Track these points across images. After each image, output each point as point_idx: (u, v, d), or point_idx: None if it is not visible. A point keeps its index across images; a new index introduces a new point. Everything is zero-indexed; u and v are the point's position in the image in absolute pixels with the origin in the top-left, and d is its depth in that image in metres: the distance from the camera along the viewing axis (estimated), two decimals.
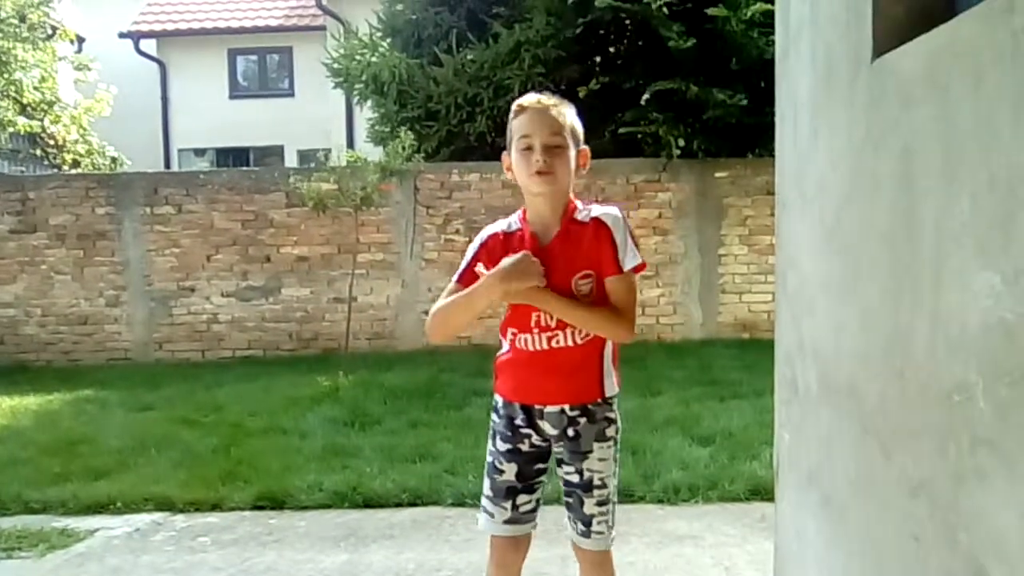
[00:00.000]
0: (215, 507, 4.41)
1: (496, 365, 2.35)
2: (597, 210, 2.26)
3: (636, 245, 2.23)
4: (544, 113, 2.20)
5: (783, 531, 2.16)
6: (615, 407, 2.36)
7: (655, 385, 6.76)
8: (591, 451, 2.29)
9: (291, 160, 17.41)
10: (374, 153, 9.40)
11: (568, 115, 2.24)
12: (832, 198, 1.70)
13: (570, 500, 2.33)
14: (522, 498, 2.32)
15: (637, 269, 2.21)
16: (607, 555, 2.38)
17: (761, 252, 9.04)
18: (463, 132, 9.51)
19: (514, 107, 2.26)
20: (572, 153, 2.23)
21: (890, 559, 1.42)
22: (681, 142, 8.80)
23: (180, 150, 18.64)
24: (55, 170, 13.02)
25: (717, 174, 9.23)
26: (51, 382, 8.08)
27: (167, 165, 17.88)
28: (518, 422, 2.30)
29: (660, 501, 4.24)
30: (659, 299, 9.24)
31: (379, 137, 10.45)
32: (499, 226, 2.34)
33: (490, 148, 9.50)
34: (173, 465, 5.05)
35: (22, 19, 11.79)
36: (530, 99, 2.25)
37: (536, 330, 2.23)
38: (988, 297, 1.09)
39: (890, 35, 1.43)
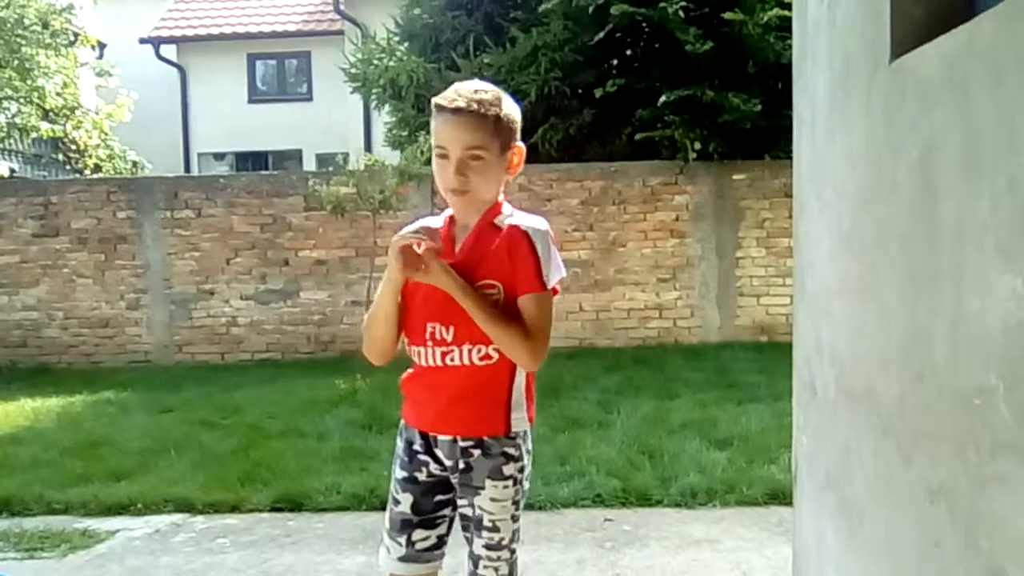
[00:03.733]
0: (234, 508, 4.43)
1: (400, 383, 2.15)
2: (518, 218, 2.01)
3: (560, 260, 1.99)
4: (463, 120, 1.92)
5: (801, 535, 2.14)
6: (522, 443, 2.03)
7: (672, 388, 6.75)
8: (483, 488, 1.99)
9: (309, 164, 17.50)
10: (392, 157, 9.43)
11: (491, 114, 1.94)
12: (850, 200, 1.69)
13: (466, 534, 2.06)
14: (418, 533, 2.08)
15: (554, 290, 1.97)
16: None
17: (779, 255, 9.00)
18: None
19: (435, 101, 1.98)
20: (497, 159, 1.98)
21: (910, 564, 1.41)
22: (697, 145, 8.78)
23: (200, 154, 18.78)
24: (77, 175, 13.18)
25: (734, 176, 9.20)
26: (73, 384, 8.15)
27: (187, 169, 18.01)
28: (416, 447, 2.07)
29: (677, 505, 4.23)
30: (676, 302, 9.22)
31: (397, 141, 10.49)
32: (431, 221, 2.06)
33: None
34: (193, 467, 5.08)
35: (45, 26, 11.92)
36: (448, 97, 1.95)
37: (430, 343, 1.99)
38: (1009, 300, 1.09)
39: (908, 36, 1.43)
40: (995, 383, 1.12)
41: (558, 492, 4.34)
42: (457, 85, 2.01)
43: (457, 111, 1.92)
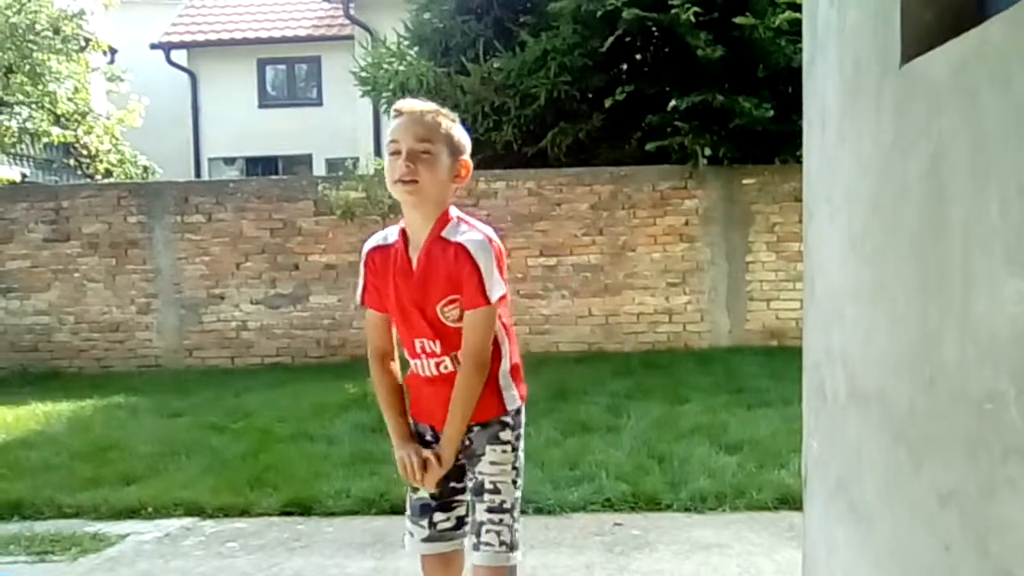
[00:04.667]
0: (244, 512, 4.44)
1: (405, 382, 2.31)
2: (465, 233, 2.14)
3: (502, 273, 2.13)
4: (414, 118, 2.12)
5: (811, 540, 2.14)
6: (514, 415, 2.25)
7: (682, 393, 6.73)
8: (483, 454, 2.20)
9: (319, 169, 17.53)
10: None
11: (444, 123, 2.15)
12: (860, 204, 1.69)
13: (470, 515, 2.26)
14: (438, 516, 2.25)
15: (501, 300, 2.13)
16: (499, 573, 2.16)
17: (789, 259, 8.97)
18: (490, 140, 9.54)
19: (392, 109, 2.22)
20: (445, 161, 2.13)
21: (920, 569, 1.40)
22: (708, 151, 8.77)
23: (210, 159, 18.85)
24: (88, 179, 13.25)
25: (744, 180, 9.18)
26: (83, 388, 8.19)
27: (197, 174, 18.08)
28: (428, 438, 2.26)
29: (687, 509, 4.22)
30: (686, 306, 9.21)
31: None
32: (376, 239, 2.29)
33: (517, 156, 9.52)
34: (202, 471, 5.10)
35: (56, 31, 11.98)
36: (405, 104, 2.18)
37: (423, 355, 2.20)
38: (1018, 304, 1.08)
39: (918, 40, 1.42)
40: (1005, 387, 1.11)
41: (567, 496, 4.33)
42: (410, 100, 2.24)
43: (413, 112, 2.14)
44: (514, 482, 2.19)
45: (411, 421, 2.29)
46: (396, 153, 2.10)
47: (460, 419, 2.15)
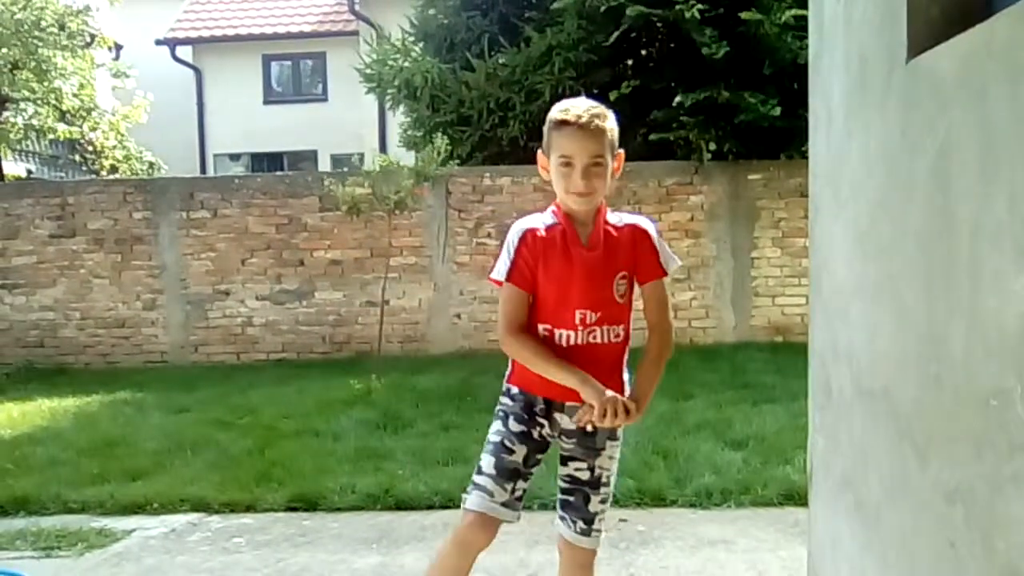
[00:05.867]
0: (249, 508, 4.44)
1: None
2: (630, 218, 2.36)
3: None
4: (587, 134, 2.20)
5: (816, 536, 2.14)
6: None
7: (687, 389, 6.72)
8: (604, 448, 2.33)
9: (325, 165, 17.55)
10: (407, 158, 9.44)
11: (608, 128, 2.24)
12: (866, 200, 1.69)
13: (571, 498, 2.35)
14: (520, 484, 2.31)
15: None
16: (595, 554, 2.41)
17: (795, 254, 8.96)
18: (495, 136, 9.53)
19: (556, 117, 2.25)
20: (611, 165, 2.26)
21: (925, 565, 1.40)
22: (713, 146, 8.75)
23: (215, 155, 18.86)
24: (93, 175, 13.27)
25: (750, 176, 9.17)
26: (89, 384, 8.19)
27: (203, 170, 18.10)
28: (537, 409, 2.31)
29: (693, 505, 4.22)
30: (691, 302, 9.19)
31: (412, 142, 10.50)
32: (533, 221, 2.31)
33: (522, 152, 9.51)
34: (208, 467, 5.10)
35: (61, 27, 11.98)
36: (573, 113, 2.22)
37: (580, 327, 2.26)
38: None
39: (925, 35, 1.42)
40: (1012, 384, 1.11)
41: None
42: (570, 103, 2.28)
43: (583, 126, 2.20)
44: (616, 472, 2.39)
45: (515, 391, 2.34)
46: (568, 165, 2.22)
47: (657, 380, 2.31)
